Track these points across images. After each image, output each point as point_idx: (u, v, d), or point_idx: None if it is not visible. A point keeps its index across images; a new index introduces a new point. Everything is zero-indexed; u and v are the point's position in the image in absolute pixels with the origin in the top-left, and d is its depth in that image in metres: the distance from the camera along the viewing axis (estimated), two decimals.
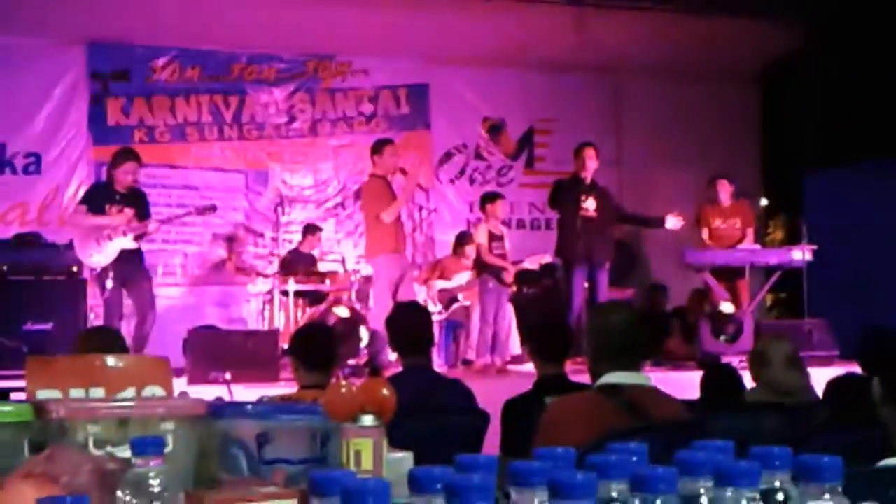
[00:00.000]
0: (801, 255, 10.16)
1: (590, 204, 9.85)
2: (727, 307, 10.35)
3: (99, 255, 8.94)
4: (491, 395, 5.41)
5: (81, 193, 10.78)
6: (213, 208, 10.03)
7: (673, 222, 10.26)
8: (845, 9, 11.50)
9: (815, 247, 10.19)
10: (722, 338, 10.28)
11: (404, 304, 6.77)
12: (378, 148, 9.75)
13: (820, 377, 5.53)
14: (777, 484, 1.33)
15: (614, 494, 1.29)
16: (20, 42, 11.28)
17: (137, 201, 9.22)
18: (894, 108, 11.03)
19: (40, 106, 11.52)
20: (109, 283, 8.94)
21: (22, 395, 2.17)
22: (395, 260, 9.42)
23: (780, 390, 5.40)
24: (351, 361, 9.63)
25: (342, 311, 10.23)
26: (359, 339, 9.93)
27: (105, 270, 8.94)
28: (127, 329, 8.74)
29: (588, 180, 10.00)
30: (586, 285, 9.98)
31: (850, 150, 11.60)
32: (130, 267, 9.06)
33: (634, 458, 1.40)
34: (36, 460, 1.71)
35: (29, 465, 1.70)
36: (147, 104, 12.01)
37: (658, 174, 13.12)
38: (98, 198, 9.20)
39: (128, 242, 8.97)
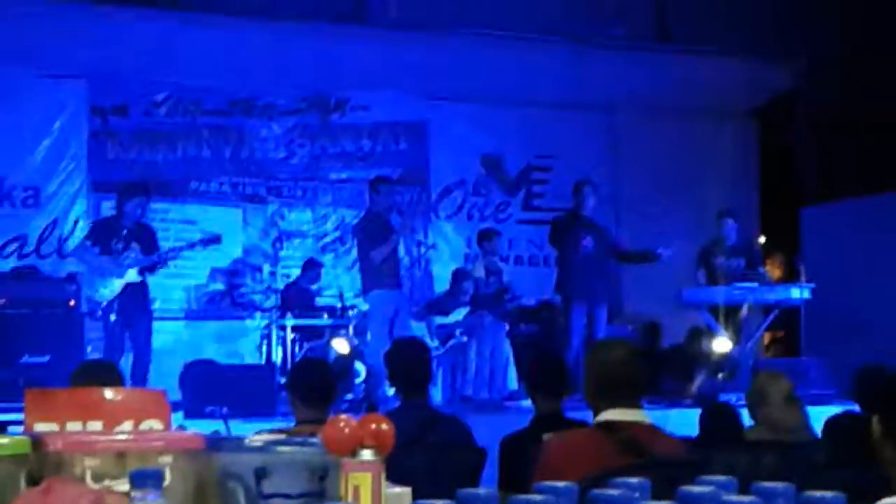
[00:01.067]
0: (798, 293, 10.15)
1: (588, 242, 9.86)
2: (724, 345, 10.33)
3: (105, 290, 8.96)
4: (488, 431, 5.40)
5: (81, 227, 10.83)
6: (217, 239, 10.02)
7: (665, 251, 10.24)
8: (843, 45, 11.57)
9: (812, 285, 10.18)
10: (719, 376, 10.26)
11: (404, 340, 6.75)
12: (375, 185, 9.79)
13: (818, 416, 5.52)
14: None
15: None
16: (20, 75, 11.31)
17: (145, 235, 9.27)
18: (892, 143, 11.07)
19: (40, 139, 11.53)
20: (113, 317, 8.95)
21: (19, 428, 2.15)
22: (391, 296, 9.43)
23: (779, 428, 5.38)
24: (348, 396, 9.61)
25: (342, 347, 10.21)
26: (355, 375, 9.91)
27: (110, 304, 8.96)
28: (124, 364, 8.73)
29: (587, 217, 10.02)
30: (585, 322, 9.97)
31: (847, 186, 11.63)
32: (135, 302, 9.11)
33: (637, 494, 1.40)
34: (33, 493, 1.70)
35: (25, 499, 1.69)
36: (146, 138, 12.03)
37: (656, 211, 13.12)
38: (104, 233, 9.22)
39: (133, 276, 9.01)
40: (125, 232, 9.15)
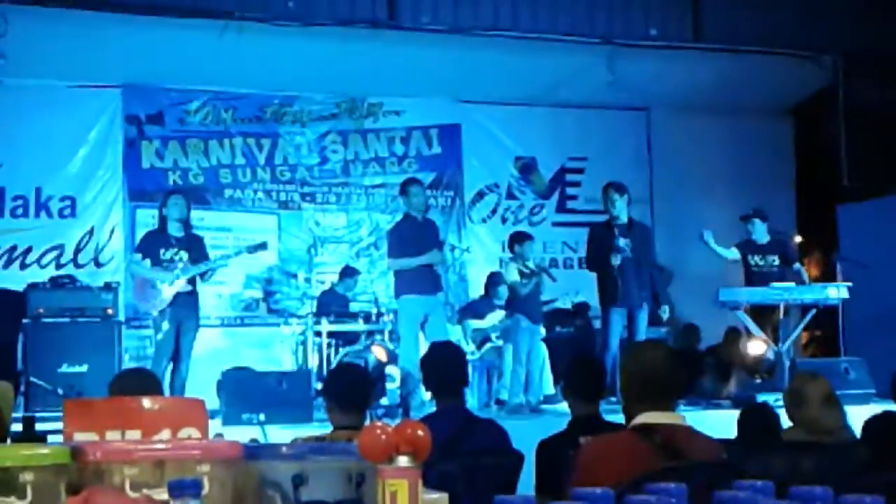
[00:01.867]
0: (836, 292, 10.07)
1: (623, 247, 9.80)
2: (760, 346, 10.27)
3: (155, 300, 9.03)
4: (524, 436, 5.37)
5: (118, 236, 10.92)
6: (264, 246, 9.99)
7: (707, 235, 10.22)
8: (879, 41, 11.47)
9: (850, 284, 10.10)
10: (757, 377, 10.19)
11: (439, 344, 6.73)
12: (405, 188, 9.80)
13: (857, 416, 5.47)
14: None
15: None
16: (56, 85, 11.42)
17: (194, 244, 9.34)
18: None
19: (76, 149, 11.63)
20: (165, 325, 9.02)
21: (59, 438, 2.17)
22: (420, 300, 9.42)
23: (818, 429, 5.34)
24: (384, 402, 9.62)
25: (380, 354, 10.23)
26: (390, 380, 9.92)
27: (162, 313, 9.02)
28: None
29: (621, 222, 9.96)
30: (624, 325, 9.93)
31: (885, 183, 11.53)
32: (185, 310, 9.18)
33: (673, 500, 1.39)
34: (73, 502, 1.72)
35: None
36: (181, 147, 12.11)
37: (690, 210, 13.07)
38: (153, 244, 9.28)
39: (183, 285, 9.07)
40: (174, 241, 9.20)
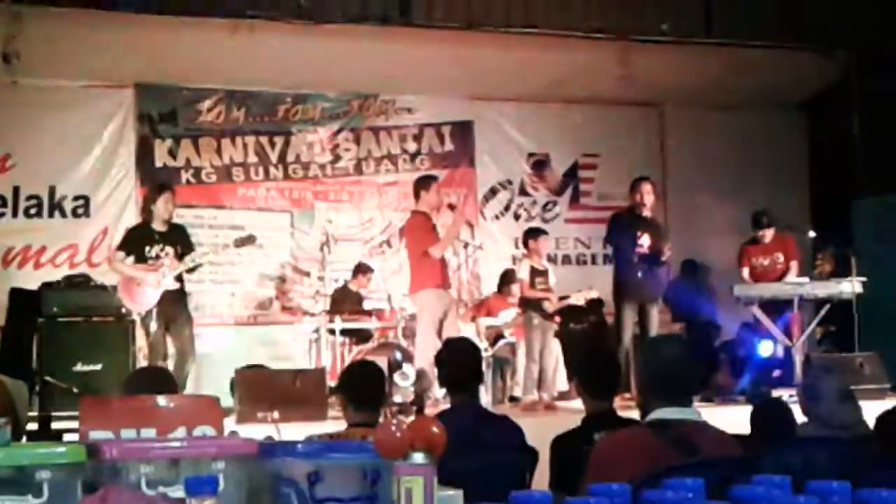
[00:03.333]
0: (850, 286, 10.05)
1: (645, 240, 9.80)
2: (770, 345, 10.27)
3: (141, 299, 8.95)
4: (538, 432, 5.37)
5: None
6: (252, 239, 9.85)
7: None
8: (891, 34, 11.43)
9: (864, 279, 10.07)
10: (771, 372, 10.17)
11: (455, 341, 6.71)
12: (422, 184, 9.78)
13: (872, 411, 5.45)
14: None
15: None
16: (69, 85, 11.45)
17: (177, 237, 9.17)
18: None
19: (89, 149, 11.66)
20: (153, 325, 8.93)
21: (74, 436, 2.18)
22: (439, 296, 9.41)
23: (833, 424, 5.32)
24: (397, 399, 9.62)
25: (396, 355, 10.23)
26: (404, 378, 9.92)
27: (149, 312, 8.93)
28: None
29: (645, 215, 9.97)
30: (636, 320, 9.93)
31: None
32: (174, 308, 9.06)
33: (690, 495, 1.39)
34: (89, 501, 1.72)
35: None
36: (194, 145, 12.13)
37: (704, 205, 13.06)
38: (137, 240, 9.15)
39: (171, 283, 8.97)
40: (157, 236, 9.05)
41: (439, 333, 9.18)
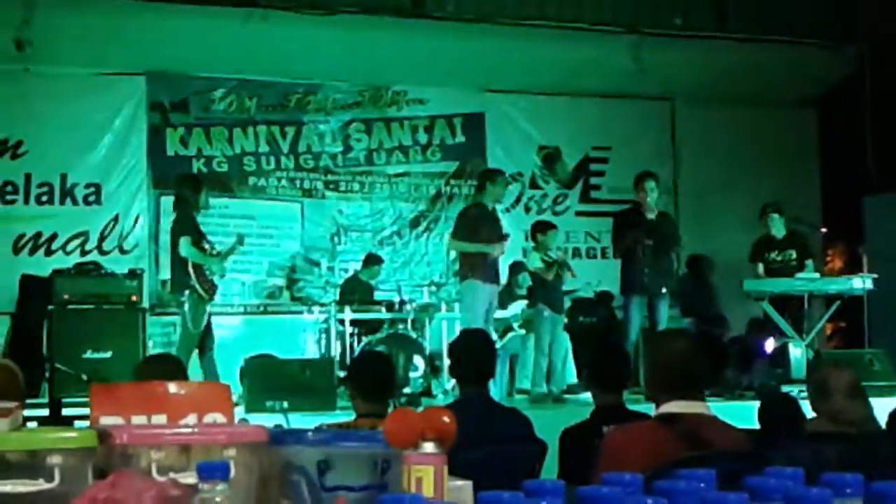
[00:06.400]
0: (861, 283, 10.03)
1: (649, 237, 9.78)
2: (779, 341, 10.26)
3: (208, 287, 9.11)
4: (547, 425, 5.37)
5: (141, 223, 10.97)
6: (240, 241, 9.71)
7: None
8: None
9: (875, 275, 10.05)
10: (780, 368, 10.15)
11: (470, 332, 6.71)
12: (489, 176, 9.75)
13: (882, 407, 5.43)
14: None
15: None
16: (81, 73, 11.45)
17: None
18: None
19: (101, 136, 11.66)
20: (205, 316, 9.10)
21: (84, 423, 2.18)
22: (485, 289, 9.36)
23: (842, 420, 5.30)
24: (406, 390, 9.63)
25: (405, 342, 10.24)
26: (413, 369, 9.93)
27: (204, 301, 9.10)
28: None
29: (650, 208, 9.94)
30: (645, 314, 9.91)
31: None
32: None
33: (703, 485, 1.39)
34: (100, 486, 1.72)
35: (93, 491, 1.71)
36: (205, 134, 12.13)
37: (714, 201, 13.05)
38: (195, 228, 9.22)
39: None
40: (202, 227, 9.28)
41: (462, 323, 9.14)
